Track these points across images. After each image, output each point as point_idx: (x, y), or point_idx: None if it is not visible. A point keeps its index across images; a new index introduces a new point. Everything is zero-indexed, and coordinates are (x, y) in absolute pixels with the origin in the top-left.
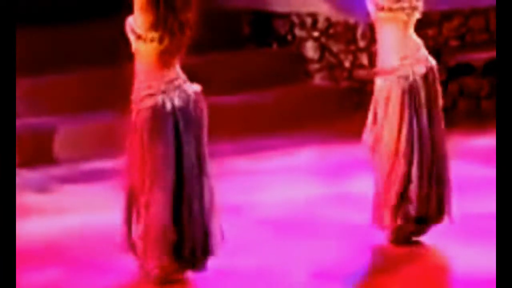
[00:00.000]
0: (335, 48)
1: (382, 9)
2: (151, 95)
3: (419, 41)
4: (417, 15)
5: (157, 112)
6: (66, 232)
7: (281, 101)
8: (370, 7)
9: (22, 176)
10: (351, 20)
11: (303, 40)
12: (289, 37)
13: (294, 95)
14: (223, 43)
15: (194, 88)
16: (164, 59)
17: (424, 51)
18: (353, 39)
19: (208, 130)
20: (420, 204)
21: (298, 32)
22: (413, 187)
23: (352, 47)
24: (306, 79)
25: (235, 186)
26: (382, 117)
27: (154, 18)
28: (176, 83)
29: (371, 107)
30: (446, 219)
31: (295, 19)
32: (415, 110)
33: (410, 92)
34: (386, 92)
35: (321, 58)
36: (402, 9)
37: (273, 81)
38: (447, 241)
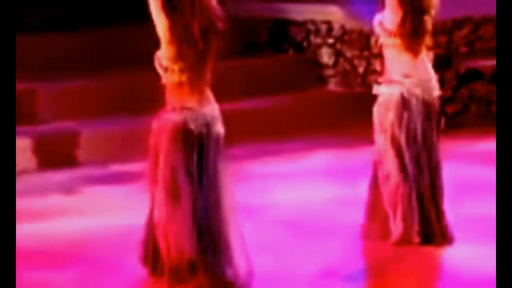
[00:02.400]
0: (349, 54)
1: (390, 34)
2: (176, 121)
3: (429, 68)
4: (426, 40)
5: (180, 137)
6: (88, 232)
7: (297, 106)
8: (379, 31)
9: (47, 177)
10: (365, 28)
11: (318, 46)
12: (305, 44)
13: (309, 100)
14: (241, 49)
15: (216, 116)
16: (190, 87)
17: (433, 80)
18: (367, 45)
19: (225, 133)
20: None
21: (313, 39)
22: (410, 202)
23: (366, 53)
24: (321, 84)
25: (250, 188)
26: (380, 128)
27: (178, 50)
28: (201, 110)
29: (374, 118)
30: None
31: (310, 27)
32: (408, 127)
33: (405, 107)
34: (383, 102)
35: (335, 64)
36: (408, 34)
37: (289, 86)
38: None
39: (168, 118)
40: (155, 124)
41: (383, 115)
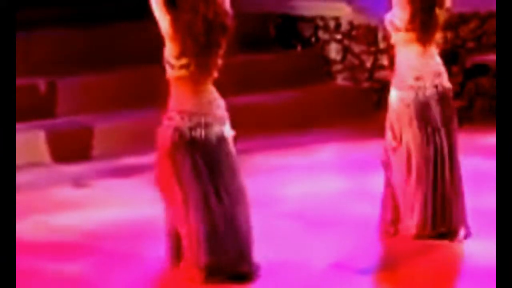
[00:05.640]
0: (357, 49)
1: (398, 30)
2: (177, 124)
3: (438, 60)
4: (437, 35)
5: (181, 148)
6: (101, 224)
7: (305, 100)
8: (389, 28)
9: (61, 170)
10: (372, 23)
11: (326, 42)
12: (313, 39)
13: (317, 94)
14: (251, 45)
15: (219, 114)
16: (195, 85)
17: (442, 72)
18: (374, 41)
19: (235, 127)
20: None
21: (321, 34)
22: (426, 200)
23: (373, 49)
24: (329, 79)
25: (260, 181)
26: (395, 130)
27: (181, 47)
28: (202, 110)
29: (387, 122)
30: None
31: (319, 22)
32: (427, 127)
33: (422, 109)
34: (398, 106)
35: (343, 59)
36: (418, 29)
37: (297, 81)
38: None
39: (168, 126)
40: (159, 132)
41: (400, 121)
